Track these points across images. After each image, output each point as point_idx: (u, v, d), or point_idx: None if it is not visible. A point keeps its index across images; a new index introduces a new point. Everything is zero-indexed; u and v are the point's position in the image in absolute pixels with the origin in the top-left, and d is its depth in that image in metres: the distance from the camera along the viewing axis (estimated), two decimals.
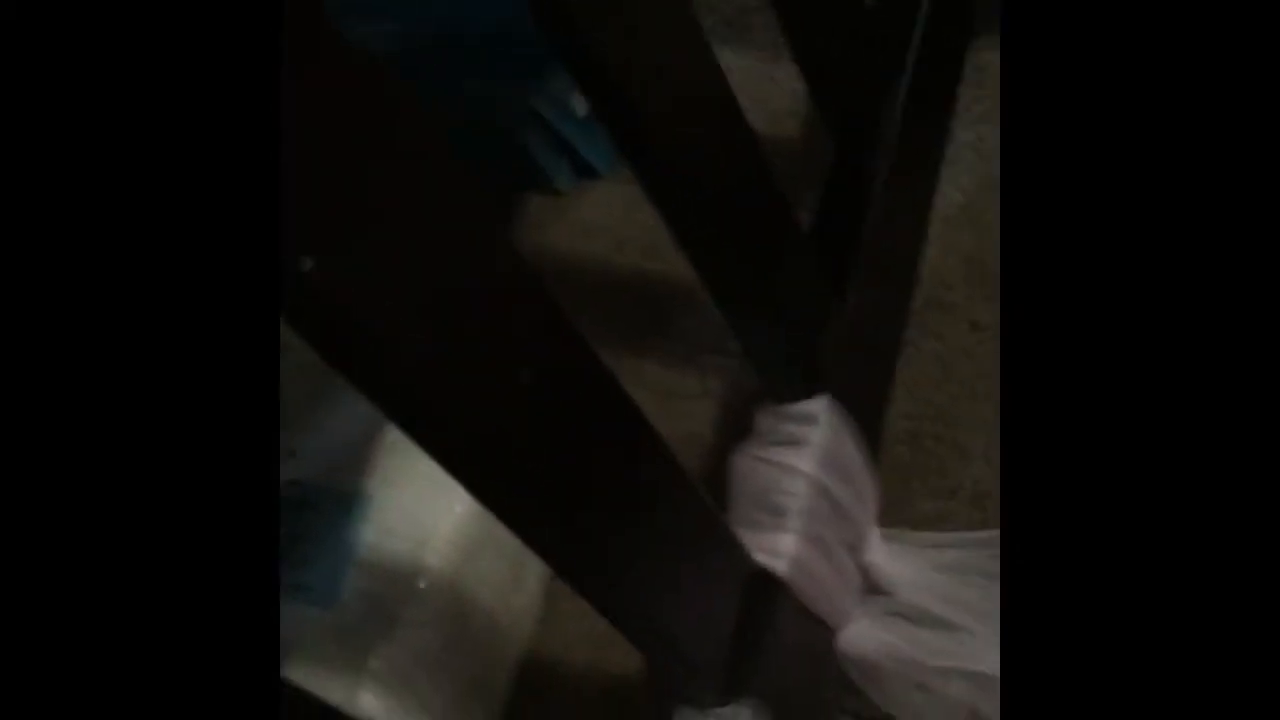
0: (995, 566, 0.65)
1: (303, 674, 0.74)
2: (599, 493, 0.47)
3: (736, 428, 0.86)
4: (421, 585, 0.78)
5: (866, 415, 0.67)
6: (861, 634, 0.65)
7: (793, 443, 0.59)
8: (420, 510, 0.80)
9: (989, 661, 0.64)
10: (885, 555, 0.67)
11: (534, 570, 0.85)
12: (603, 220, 1.03)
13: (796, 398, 0.61)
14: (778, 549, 0.58)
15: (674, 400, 0.89)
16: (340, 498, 0.81)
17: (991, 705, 0.65)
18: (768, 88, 1.02)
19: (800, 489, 0.59)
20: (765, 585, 0.59)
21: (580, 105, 1.01)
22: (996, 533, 0.67)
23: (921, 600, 0.67)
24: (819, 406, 0.60)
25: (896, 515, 0.74)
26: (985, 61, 0.97)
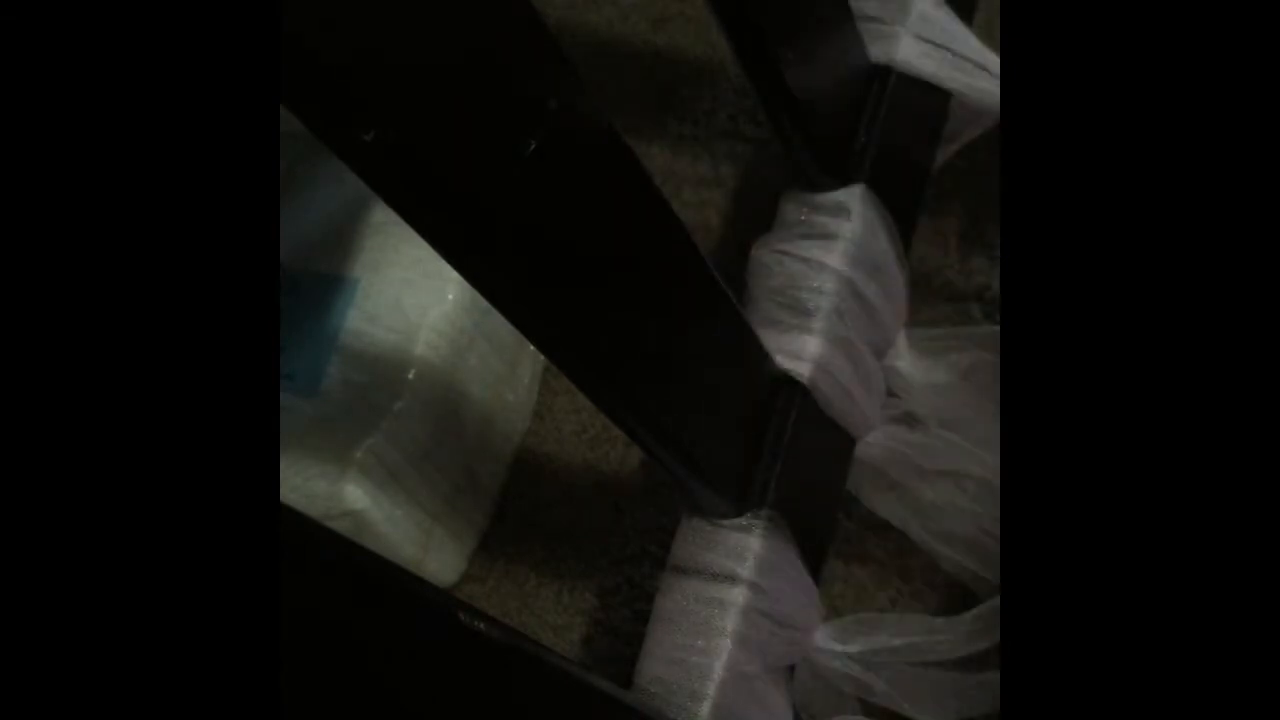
0: None
1: (287, 466, 0.72)
2: (604, 277, 0.42)
3: (750, 218, 0.82)
4: (409, 376, 0.75)
5: (902, 206, 0.61)
6: (874, 441, 0.62)
7: (822, 236, 0.54)
8: (408, 297, 0.76)
9: (989, 466, 0.61)
10: (909, 358, 0.62)
11: (528, 365, 0.83)
12: None
13: (828, 186, 0.56)
14: (800, 351, 0.54)
15: (683, 187, 0.84)
16: (322, 282, 0.78)
17: (990, 512, 0.62)
18: None
19: (828, 287, 0.54)
20: (785, 390, 0.55)
21: None
22: None
23: (937, 406, 0.63)
24: (852, 196, 0.55)
25: (912, 316, 0.70)
26: None
